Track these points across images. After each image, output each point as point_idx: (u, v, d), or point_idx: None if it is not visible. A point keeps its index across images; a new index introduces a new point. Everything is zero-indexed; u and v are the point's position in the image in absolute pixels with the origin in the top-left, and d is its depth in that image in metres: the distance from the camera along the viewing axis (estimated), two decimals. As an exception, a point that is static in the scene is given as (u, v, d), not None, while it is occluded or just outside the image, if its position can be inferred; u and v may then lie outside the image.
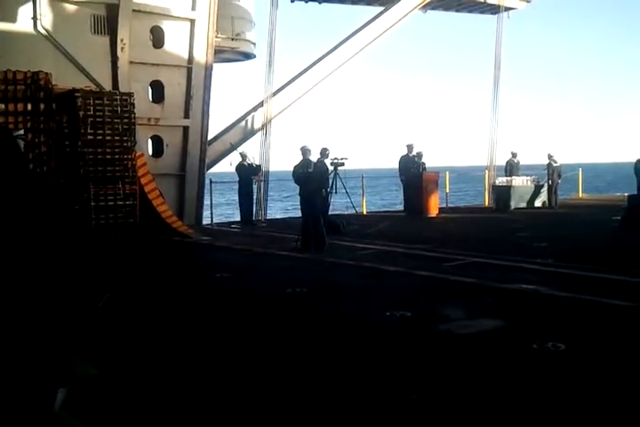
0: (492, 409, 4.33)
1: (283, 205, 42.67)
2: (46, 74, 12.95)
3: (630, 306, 7.01)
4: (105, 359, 5.48)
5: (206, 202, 18.40)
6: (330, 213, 14.93)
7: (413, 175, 19.37)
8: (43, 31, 15.03)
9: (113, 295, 8.03)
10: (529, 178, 21.58)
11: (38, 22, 14.97)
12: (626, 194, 20.37)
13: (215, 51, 17.93)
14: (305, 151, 12.33)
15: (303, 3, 21.83)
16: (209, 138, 18.32)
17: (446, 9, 24.83)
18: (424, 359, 5.42)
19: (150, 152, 17.17)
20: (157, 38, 16.92)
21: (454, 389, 4.72)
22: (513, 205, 20.50)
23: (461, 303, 7.43)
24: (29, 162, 12.44)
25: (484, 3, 23.80)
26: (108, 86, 15.48)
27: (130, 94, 14.21)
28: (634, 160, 22.78)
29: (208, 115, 17.77)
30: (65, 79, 14.00)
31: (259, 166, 18.06)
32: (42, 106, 12.74)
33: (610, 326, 6.36)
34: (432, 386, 4.78)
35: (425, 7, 22.97)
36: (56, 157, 12.96)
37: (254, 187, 18.21)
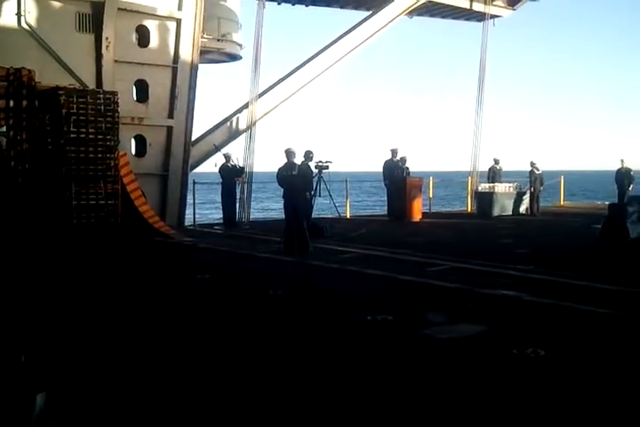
0: (469, 414, 4.32)
1: (265, 207, 42.61)
2: (29, 71, 12.80)
3: (610, 313, 7.05)
4: (81, 359, 5.42)
5: (189, 201, 18.32)
6: (313, 216, 14.92)
7: (397, 180, 19.41)
8: (27, 27, 14.87)
9: (91, 296, 7.96)
10: (511, 185, 21.73)
11: (22, 18, 14.80)
12: (607, 202, 20.57)
13: (201, 51, 17.85)
14: (289, 154, 12.30)
15: (290, 5, 21.83)
16: (193, 138, 18.23)
17: (432, 15, 24.93)
18: (404, 363, 5.41)
19: (133, 152, 17.04)
20: (143, 37, 16.81)
21: (432, 393, 4.71)
22: (495, 211, 20.63)
23: (443, 308, 7.43)
24: (10, 159, 12.32)
25: (470, 10, 23.94)
26: (91, 85, 15.35)
27: (114, 93, 14.09)
28: (616, 169, 23.19)
29: (192, 115, 17.68)
30: (48, 77, 13.86)
31: (242, 168, 18.00)
32: (24, 103, 12.59)
33: (590, 333, 6.39)
34: (411, 390, 4.77)
35: (411, 13, 23.06)
36: (38, 155, 12.82)
37: (237, 188, 18.14)
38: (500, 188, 21.23)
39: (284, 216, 12.94)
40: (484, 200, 21.02)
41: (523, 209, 21.52)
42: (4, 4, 14.76)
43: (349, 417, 4.27)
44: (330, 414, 4.32)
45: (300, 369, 5.27)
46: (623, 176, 22.72)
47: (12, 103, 12.48)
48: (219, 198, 18.71)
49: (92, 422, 4.16)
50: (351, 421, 4.22)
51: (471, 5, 23.70)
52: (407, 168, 19.98)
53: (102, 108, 13.66)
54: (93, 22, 15.76)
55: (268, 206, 42.06)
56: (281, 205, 13.02)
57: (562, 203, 26.74)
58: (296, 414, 4.33)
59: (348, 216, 21.00)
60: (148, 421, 4.24)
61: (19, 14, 14.77)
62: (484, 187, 21.67)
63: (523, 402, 4.52)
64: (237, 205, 18.32)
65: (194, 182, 17.96)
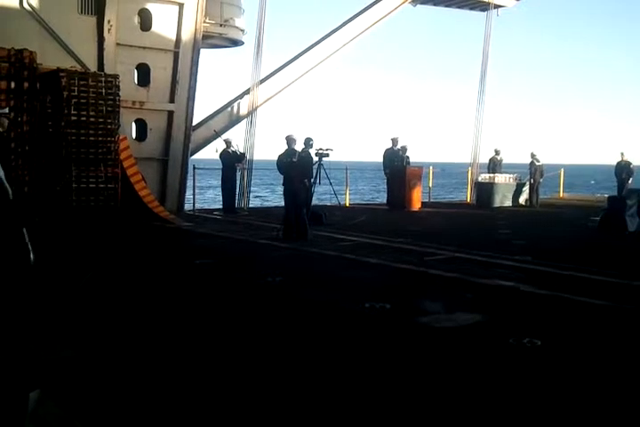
0: (462, 403, 4.35)
1: (265, 194, 42.59)
2: (31, 52, 12.76)
3: (607, 305, 7.08)
4: (82, 343, 5.44)
5: (188, 186, 18.30)
6: (312, 203, 14.91)
7: (397, 169, 19.40)
8: (29, 9, 14.76)
9: (90, 280, 7.97)
10: (511, 176, 21.75)
11: (24, 0, 14.70)
12: (606, 195, 20.58)
13: (203, 36, 17.73)
14: (290, 141, 12.28)
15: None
16: (194, 123, 18.18)
17: (436, 4, 24.75)
18: (402, 352, 5.44)
19: (134, 136, 17.00)
20: (145, 21, 16.71)
21: (428, 382, 4.74)
22: (494, 202, 20.65)
23: (441, 297, 7.45)
24: (11, 141, 12.29)
25: (474, -1, 23.80)
26: (93, 67, 15.27)
27: (115, 76, 14.05)
28: (615, 162, 23.20)
29: (193, 100, 17.61)
30: (50, 59, 13.80)
31: (243, 154, 17.97)
32: (26, 84, 12.56)
33: (586, 324, 6.42)
34: (408, 379, 4.79)
35: (415, 1, 22.93)
36: (39, 137, 12.80)
37: (238, 174, 18.13)
38: (500, 178, 21.25)
39: (283, 203, 12.93)
40: (484, 191, 21.04)
41: (522, 200, 21.54)
42: (6, -15, 14.65)
43: (346, 406, 4.30)
44: (326, 403, 4.35)
45: (296, 357, 5.29)
46: (623, 169, 22.74)
47: (13, 85, 12.45)
48: (218, 184, 18.70)
49: (91, 412, 4.19)
50: (348, 409, 4.25)
51: (475, -6, 23.57)
52: (407, 157, 19.95)
53: (103, 91, 13.63)
54: (96, 5, 15.66)
55: (266, 193, 42.05)
56: (280, 192, 12.99)
57: (561, 195, 26.75)
58: (292, 400, 4.36)
59: (348, 204, 21.00)
60: (142, 412, 4.27)
61: (21, -5, 14.66)
62: (484, 177, 21.68)
63: (518, 391, 4.55)
64: (237, 191, 18.32)
65: (194, 168, 17.94)
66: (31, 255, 2.75)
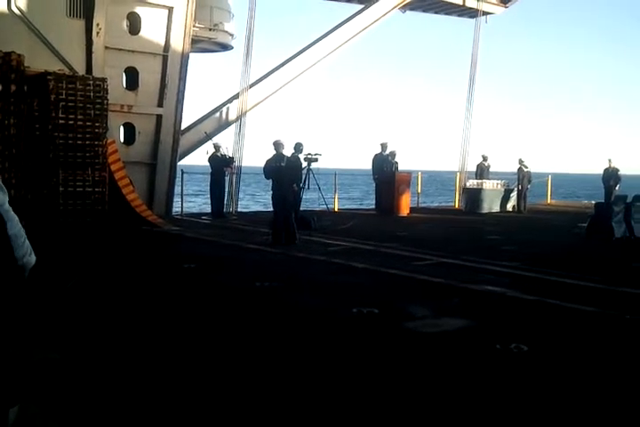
0: (448, 407, 4.34)
1: (255, 199, 42.44)
2: (19, 55, 12.66)
3: (594, 311, 7.10)
4: (67, 345, 5.39)
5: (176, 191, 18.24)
6: (301, 208, 14.91)
7: (386, 174, 19.43)
8: (17, 11, 14.68)
9: (76, 284, 7.92)
10: (499, 182, 21.85)
11: (12, 2, 14.62)
12: (593, 201, 20.71)
13: (192, 40, 17.73)
14: (278, 145, 12.25)
15: (283, -4, 21.74)
16: (182, 127, 18.14)
17: (425, 10, 24.92)
18: (389, 357, 5.43)
19: (122, 139, 16.93)
20: (134, 25, 16.67)
21: (414, 387, 4.73)
22: (482, 208, 20.72)
23: (428, 302, 7.46)
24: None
25: (463, 6, 23.95)
26: (81, 71, 15.18)
27: (103, 80, 13.98)
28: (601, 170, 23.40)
29: (182, 104, 17.58)
30: (38, 62, 13.70)
31: (231, 158, 17.92)
32: (13, 87, 12.46)
33: (573, 330, 6.43)
34: (394, 384, 4.78)
35: (404, 7, 23.07)
36: (25, 141, 12.70)
37: (226, 179, 18.09)
38: (488, 184, 21.34)
39: (271, 208, 12.90)
40: (472, 196, 21.11)
41: (510, 206, 21.64)
42: (-6, -13, 14.57)
43: (330, 411, 4.28)
44: (311, 409, 4.33)
45: (283, 362, 5.26)
46: (610, 176, 22.90)
47: (0, 87, 12.35)
48: (206, 190, 18.65)
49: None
50: (332, 415, 4.23)
51: (464, 1, 23.71)
52: (396, 163, 19.98)
53: (91, 94, 13.56)
54: (84, 8, 15.59)
55: (260, 199, 41.83)
56: (263, 201, 12.98)
57: (549, 201, 26.90)
58: (280, 404, 4.34)
59: (336, 209, 21.01)
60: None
61: (9, -2, 14.58)
62: (472, 183, 21.76)
63: (505, 397, 4.55)
64: (226, 195, 18.27)
65: (182, 172, 17.86)
66: (32, 257, 2.72)
